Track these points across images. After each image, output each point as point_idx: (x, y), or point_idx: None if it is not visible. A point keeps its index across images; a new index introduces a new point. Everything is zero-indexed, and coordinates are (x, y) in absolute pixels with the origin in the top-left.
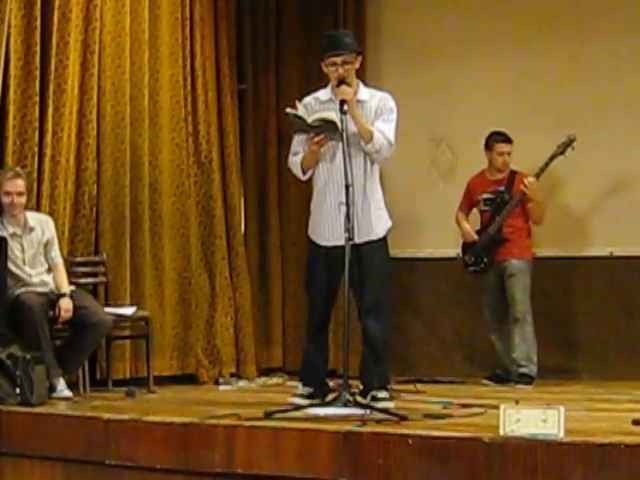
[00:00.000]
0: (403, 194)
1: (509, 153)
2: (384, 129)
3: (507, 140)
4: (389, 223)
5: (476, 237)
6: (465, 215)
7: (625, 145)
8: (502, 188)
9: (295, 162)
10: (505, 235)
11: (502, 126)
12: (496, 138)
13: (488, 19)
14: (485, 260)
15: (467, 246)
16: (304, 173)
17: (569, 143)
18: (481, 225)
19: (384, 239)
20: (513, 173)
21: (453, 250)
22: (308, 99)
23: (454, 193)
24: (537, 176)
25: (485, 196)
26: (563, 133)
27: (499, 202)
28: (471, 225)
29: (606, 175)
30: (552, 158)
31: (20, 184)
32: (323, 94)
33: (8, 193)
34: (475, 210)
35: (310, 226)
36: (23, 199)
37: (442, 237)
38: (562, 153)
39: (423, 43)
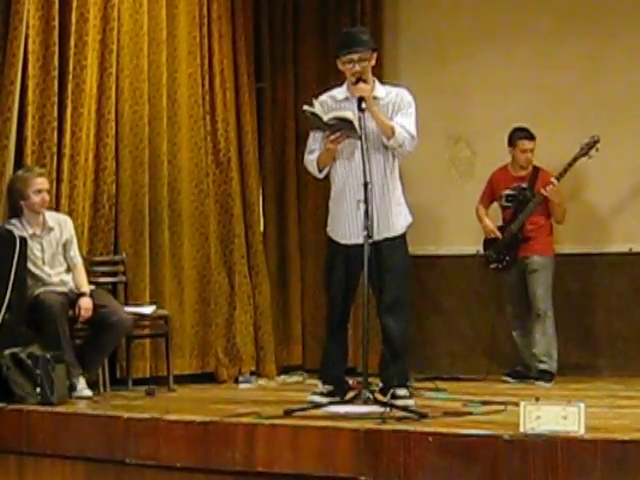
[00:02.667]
0: (422, 192)
1: (532, 150)
2: (404, 123)
3: (530, 137)
4: (409, 219)
5: (499, 234)
6: (485, 209)
7: None
8: (524, 185)
9: (311, 160)
10: (527, 233)
11: (521, 121)
12: (519, 135)
13: (505, 15)
14: (507, 258)
15: (489, 243)
16: (320, 171)
17: (592, 145)
18: (503, 221)
19: (403, 236)
20: (536, 170)
21: (473, 247)
22: (324, 97)
23: (473, 190)
24: (559, 177)
25: (507, 192)
26: (583, 129)
27: (521, 199)
28: (493, 221)
29: (626, 172)
30: (575, 159)
31: (46, 182)
32: (339, 92)
33: (39, 191)
34: (495, 205)
35: (329, 224)
36: (48, 197)
37: (462, 234)
38: (585, 154)
39: (440, 40)
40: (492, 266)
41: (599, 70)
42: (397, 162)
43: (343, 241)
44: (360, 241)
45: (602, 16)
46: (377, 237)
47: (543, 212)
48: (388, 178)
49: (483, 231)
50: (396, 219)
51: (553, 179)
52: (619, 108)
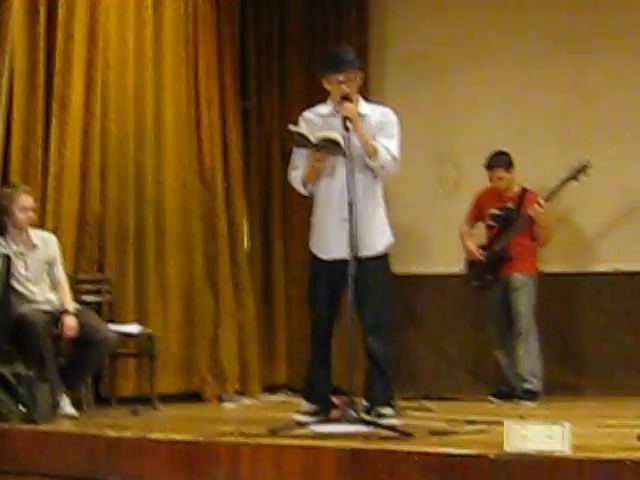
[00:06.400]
0: (407, 211)
1: (499, 178)
2: (388, 145)
3: (491, 165)
4: (391, 239)
5: (480, 257)
6: (470, 228)
7: (630, 161)
8: (511, 205)
9: (295, 177)
10: (511, 253)
11: (507, 141)
12: (490, 163)
13: (492, 34)
14: (489, 277)
15: (472, 262)
16: (305, 188)
17: (582, 169)
18: (487, 240)
19: (385, 255)
20: (524, 191)
21: (457, 267)
22: (309, 115)
23: (458, 209)
24: (547, 199)
25: (493, 211)
26: (569, 149)
27: (507, 219)
28: (476, 239)
29: (612, 192)
30: (564, 183)
31: (32, 199)
32: (324, 108)
33: (25, 208)
34: (481, 224)
35: (311, 239)
36: (34, 215)
37: (446, 254)
38: (574, 178)
39: (426, 59)
40: (474, 284)
41: (585, 89)
42: (380, 181)
43: (325, 257)
44: (342, 256)
45: (588, 35)
46: (359, 254)
47: (527, 233)
48: (370, 197)
49: (465, 253)
50: (379, 238)
51: (540, 199)
52: (605, 128)
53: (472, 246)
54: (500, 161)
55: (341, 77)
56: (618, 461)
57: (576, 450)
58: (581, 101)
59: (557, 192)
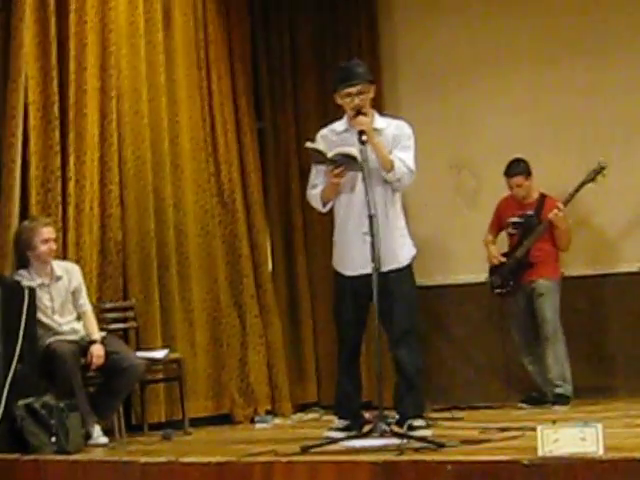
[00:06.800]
0: (428, 222)
1: (519, 185)
2: (404, 157)
3: (511, 173)
4: (413, 250)
5: (502, 259)
6: (494, 237)
7: None
8: (531, 212)
9: (314, 195)
10: (532, 259)
11: (524, 147)
12: (508, 172)
13: (502, 41)
14: (511, 283)
15: (494, 269)
16: (324, 205)
17: (599, 170)
18: (509, 248)
19: (409, 267)
20: (543, 197)
21: (481, 275)
22: (324, 131)
23: (479, 218)
24: (566, 202)
25: (513, 219)
26: (588, 152)
27: (527, 226)
28: (499, 248)
29: (631, 192)
30: (582, 185)
31: (53, 231)
32: (339, 125)
33: (46, 240)
34: (504, 233)
35: (334, 257)
36: (55, 246)
37: (469, 263)
38: (592, 180)
39: (439, 69)
40: (497, 291)
41: (599, 92)
42: (398, 194)
43: (349, 273)
44: (366, 271)
45: (600, 38)
46: (383, 269)
47: (549, 239)
48: (390, 209)
49: (487, 259)
50: (400, 250)
51: (559, 204)
52: (621, 129)
53: (493, 250)
54: (518, 169)
55: (353, 90)
56: None
57: (610, 451)
58: (596, 103)
59: (575, 195)
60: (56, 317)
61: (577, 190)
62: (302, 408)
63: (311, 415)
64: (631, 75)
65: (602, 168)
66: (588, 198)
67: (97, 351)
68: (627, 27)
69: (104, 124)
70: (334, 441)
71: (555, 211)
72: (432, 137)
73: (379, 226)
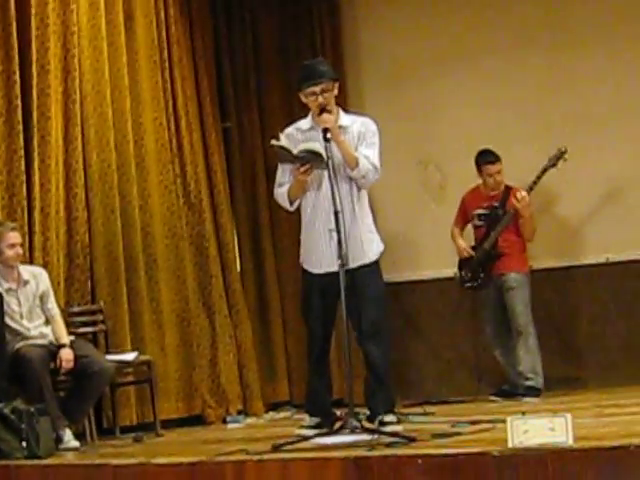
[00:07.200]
0: (396, 218)
1: (498, 172)
2: (369, 154)
3: (493, 161)
4: (381, 246)
5: (472, 253)
6: (460, 230)
7: (612, 150)
8: (496, 204)
9: (281, 193)
10: (500, 250)
11: (489, 140)
12: (482, 160)
13: (465, 36)
14: (481, 275)
15: (463, 262)
16: (291, 204)
17: (560, 155)
18: (475, 240)
19: (377, 263)
20: (508, 188)
21: (450, 270)
22: (290, 129)
23: (446, 213)
24: (529, 190)
25: (479, 211)
26: (551, 142)
27: (493, 217)
28: (466, 241)
29: (595, 183)
30: (544, 171)
31: (19, 236)
32: (304, 123)
33: (13, 245)
34: (470, 226)
35: (302, 255)
36: (22, 251)
37: (438, 258)
38: (554, 165)
39: (403, 65)
40: (467, 285)
41: (562, 82)
42: (365, 190)
43: (317, 270)
44: (333, 269)
45: (562, 28)
46: (351, 265)
47: (514, 229)
48: (357, 206)
49: (457, 253)
50: (368, 246)
51: (521, 191)
52: (584, 119)
53: (462, 242)
54: (492, 156)
55: (317, 89)
56: (622, 447)
57: (579, 440)
58: (555, 95)
59: (538, 182)
60: (24, 322)
61: (539, 177)
62: (274, 407)
63: (283, 414)
64: (593, 66)
65: (562, 153)
66: (553, 189)
67: (66, 355)
68: (587, 18)
69: (68, 127)
70: (305, 439)
71: (518, 195)
72: (396, 133)
73: (346, 222)
